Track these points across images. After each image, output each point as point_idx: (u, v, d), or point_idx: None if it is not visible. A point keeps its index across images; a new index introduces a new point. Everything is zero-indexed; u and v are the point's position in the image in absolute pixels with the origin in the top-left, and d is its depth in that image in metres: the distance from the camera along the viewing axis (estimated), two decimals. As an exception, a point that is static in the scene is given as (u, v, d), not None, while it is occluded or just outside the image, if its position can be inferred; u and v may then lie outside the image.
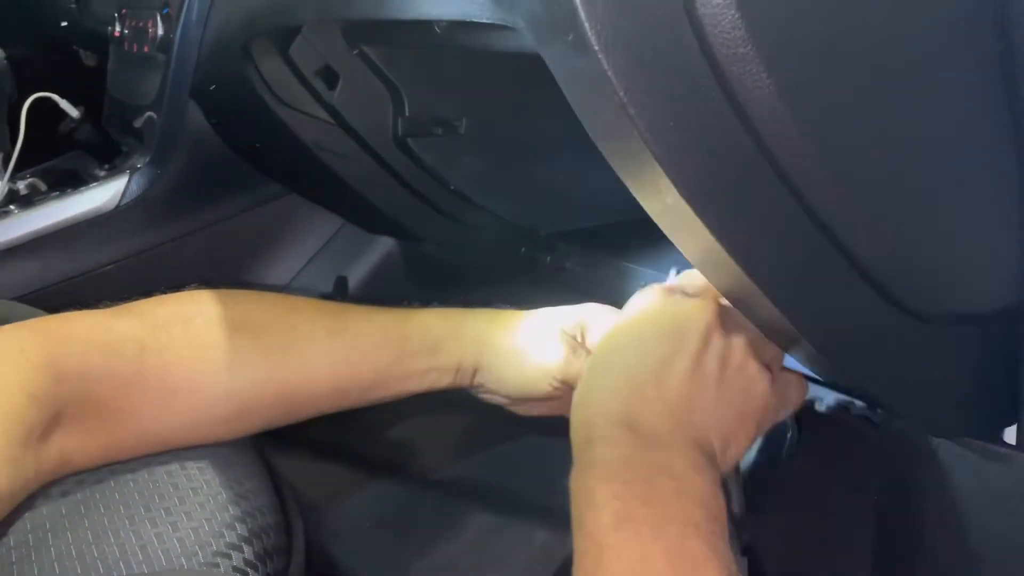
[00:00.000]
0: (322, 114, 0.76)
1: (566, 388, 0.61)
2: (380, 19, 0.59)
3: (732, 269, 0.42)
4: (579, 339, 0.62)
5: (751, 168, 0.39)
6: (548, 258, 0.87)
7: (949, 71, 0.38)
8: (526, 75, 0.76)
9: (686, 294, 0.54)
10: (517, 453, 0.70)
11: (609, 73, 0.36)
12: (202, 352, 0.55)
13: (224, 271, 0.89)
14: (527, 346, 0.61)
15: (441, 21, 0.58)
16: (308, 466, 0.68)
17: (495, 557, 0.60)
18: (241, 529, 0.48)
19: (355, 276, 0.93)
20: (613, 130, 0.39)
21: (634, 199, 0.53)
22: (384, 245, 0.93)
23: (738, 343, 0.51)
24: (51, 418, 0.50)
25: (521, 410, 0.65)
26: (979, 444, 0.48)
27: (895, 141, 0.39)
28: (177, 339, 0.55)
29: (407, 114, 0.76)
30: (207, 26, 0.79)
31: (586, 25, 0.35)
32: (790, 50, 0.37)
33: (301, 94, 0.75)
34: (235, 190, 0.88)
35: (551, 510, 0.62)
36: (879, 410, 0.55)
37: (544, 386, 0.61)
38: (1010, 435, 0.48)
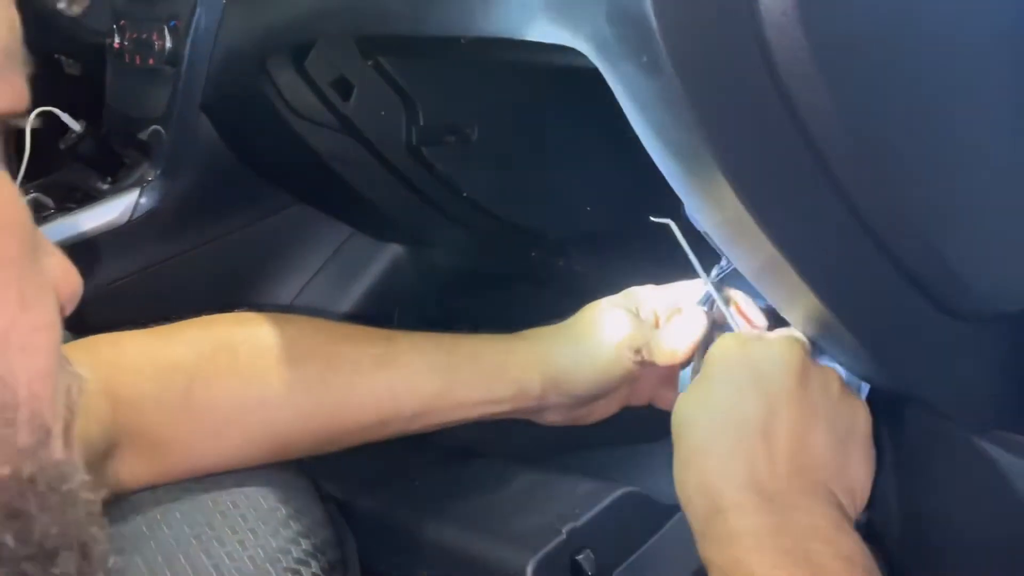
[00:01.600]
0: (335, 124, 0.76)
1: (641, 362, 0.59)
2: (419, 36, 0.60)
3: (788, 275, 0.43)
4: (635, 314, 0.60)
5: (808, 180, 0.41)
6: (560, 262, 0.87)
7: (1004, 87, 0.40)
8: (538, 81, 0.77)
9: (763, 337, 0.53)
10: (558, 431, 0.66)
11: (682, 93, 0.37)
12: (247, 387, 0.55)
13: (236, 282, 0.89)
14: (591, 333, 0.59)
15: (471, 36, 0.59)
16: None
17: (538, 505, 0.58)
18: (305, 544, 0.49)
19: (365, 283, 0.93)
20: (680, 147, 0.40)
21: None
22: (394, 252, 0.93)
23: (831, 372, 0.51)
24: (111, 443, 0.51)
25: (597, 413, 0.63)
26: (1009, 436, 0.50)
27: (947, 155, 0.41)
28: (224, 370, 0.55)
29: (421, 123, 0.76)
30: (217, 39, 0.78)
31: (662, 47, 0.36)
32: (851, 71, 0.38)
33: (315, 105, 0.75)
34: (245, 202, 0.88)
35: (600, 468, 0.62)
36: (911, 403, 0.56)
37: (624, 363, 0.58)
38: (1040, 427, 0.50)
